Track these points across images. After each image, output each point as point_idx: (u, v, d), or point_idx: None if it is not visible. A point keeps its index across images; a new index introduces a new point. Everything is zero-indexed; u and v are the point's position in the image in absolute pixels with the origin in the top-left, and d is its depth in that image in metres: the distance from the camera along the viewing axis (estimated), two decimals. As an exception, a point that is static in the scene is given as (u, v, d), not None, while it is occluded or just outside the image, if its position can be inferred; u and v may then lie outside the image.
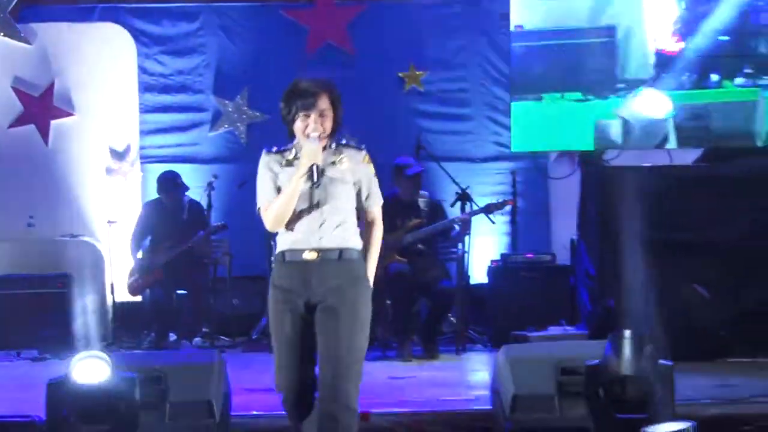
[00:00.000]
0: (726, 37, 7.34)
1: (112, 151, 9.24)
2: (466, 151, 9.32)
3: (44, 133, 9.17)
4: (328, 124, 3.96)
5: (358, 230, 4.03)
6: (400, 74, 9.37)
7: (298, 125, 3.94)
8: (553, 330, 7.64)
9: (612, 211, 7.31)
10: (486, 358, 7.48)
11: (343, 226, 3.96)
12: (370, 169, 4.08)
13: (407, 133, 8.95)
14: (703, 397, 5.57)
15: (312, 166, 3.88)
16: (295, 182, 3.90)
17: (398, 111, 9.31)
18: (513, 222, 8.85)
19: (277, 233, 4.03)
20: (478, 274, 8.52)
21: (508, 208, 8.28)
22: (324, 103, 3.93)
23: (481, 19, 9.28)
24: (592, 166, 7.59)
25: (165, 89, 9.37)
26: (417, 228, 7.65)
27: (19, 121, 9.17)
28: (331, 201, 3.94)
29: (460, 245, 7.76)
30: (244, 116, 9.35)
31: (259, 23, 9.41)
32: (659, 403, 4.49)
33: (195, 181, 8.72)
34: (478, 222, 7.97)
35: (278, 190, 3.97)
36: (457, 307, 7.82)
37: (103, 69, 9.25)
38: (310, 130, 3.91)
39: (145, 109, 9.34)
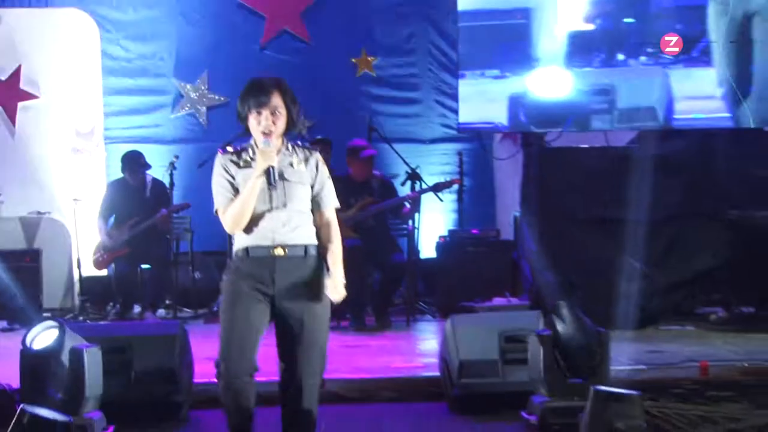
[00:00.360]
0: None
1: (77, 132, 9.14)
2: (415, 133, 9.37)
3: (11, 115, 9.05)
4: (281, 122, 3.82)
5: (314, 228, 3.92)
6: (353, 60, 9.36)
7: (251, 122, 3.83)
8: (498, 301, 7.70)
9: (551, 189, 7.38)
10: (435, 327, 7.54)
11: (303, 225, 3.87)
12: (324, 170, 3.95)
13: (360, 116, 8.96)
14: (636, 363, 5.67)
15: (268, 168, 3.77)
16: (252, 184, 3.77)
17: (351, 95, 9.31)
18: (460, 200, 8.90)
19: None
20: (428, 249, 8.56)
21: (455, 186, 8.32)
22: (276, 100, 3.80)
23: (429, 7, 9.32)
24: (533, 147, 7.63)
25: (128, 73, 9.28)
26: (369, 206, 7.67)
27: (-14, 104, 9.06)
28: (290, 203, 3.83)
29: (410, 222, 7.79)
30: (204, 99, 9.30)
31: (217, 10, 9.35)
32: (599, 368, 4.57)
33: (157, 161, 8.63)
34: (427, 200, 8.01)
35: (236, 191, 3.84)
36: (407, 280, 7.86)
37: (67, 53, 9.13)
38: (263, 128, 3.79)
39: (109, 92, 9.24)
